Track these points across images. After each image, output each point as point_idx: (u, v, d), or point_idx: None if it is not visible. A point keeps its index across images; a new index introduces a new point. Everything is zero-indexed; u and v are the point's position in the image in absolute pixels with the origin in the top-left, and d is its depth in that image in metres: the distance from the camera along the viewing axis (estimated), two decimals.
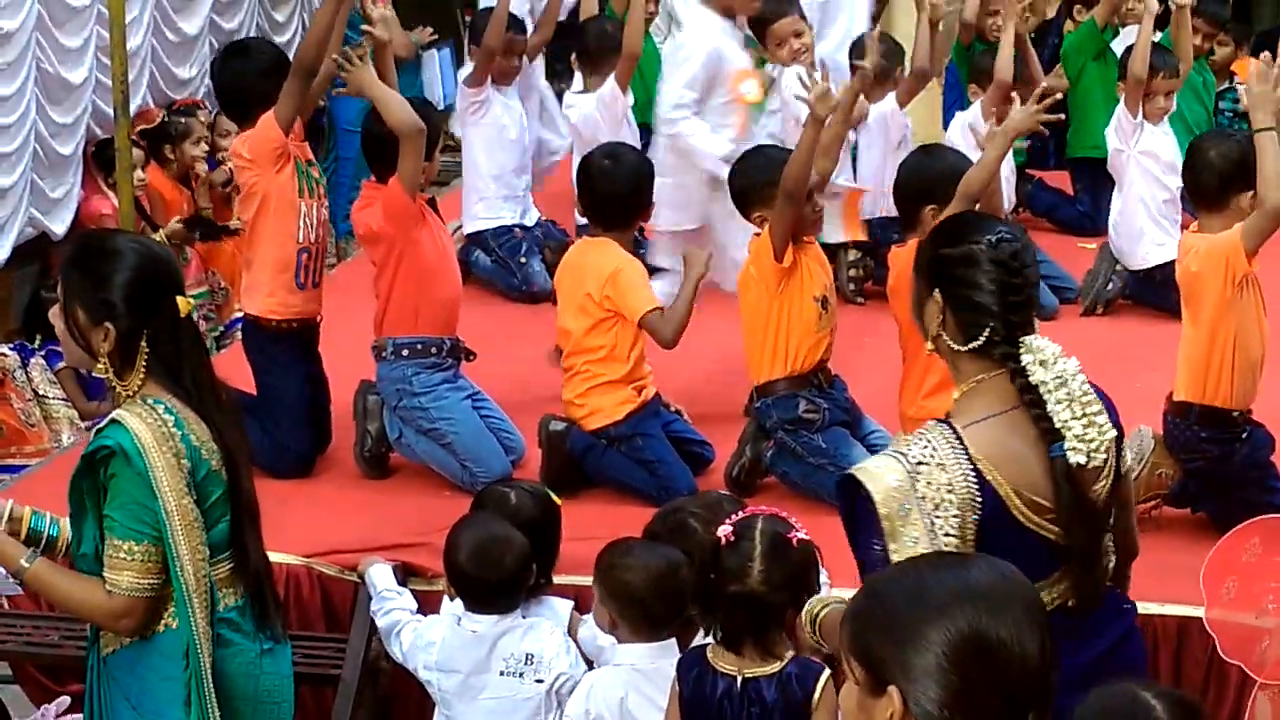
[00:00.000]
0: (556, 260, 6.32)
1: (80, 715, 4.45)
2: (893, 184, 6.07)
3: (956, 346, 3.54)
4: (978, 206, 5.61)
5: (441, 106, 10.50)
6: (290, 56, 6.05)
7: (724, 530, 4.04)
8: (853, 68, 6.00)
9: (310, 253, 5.94)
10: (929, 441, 3.45)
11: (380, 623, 4.90)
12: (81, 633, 4.07)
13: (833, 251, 7.13)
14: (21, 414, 8.05)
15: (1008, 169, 7.88)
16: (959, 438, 3.45)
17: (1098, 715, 2.48)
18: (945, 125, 8.57)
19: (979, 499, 3.41)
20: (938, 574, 2.37)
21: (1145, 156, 7.66)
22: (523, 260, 7.94)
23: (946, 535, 3.37)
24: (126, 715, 3.81)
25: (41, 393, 8.22)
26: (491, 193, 8.06)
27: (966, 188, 5.46)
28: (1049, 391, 3.47)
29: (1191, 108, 8.97)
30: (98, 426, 3.79)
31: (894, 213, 7.85)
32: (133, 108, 8.98)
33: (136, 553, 3.69)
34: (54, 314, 3.86)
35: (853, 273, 7.89)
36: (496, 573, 4.61)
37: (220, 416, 3.83)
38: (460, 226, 8.13)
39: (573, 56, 8.57)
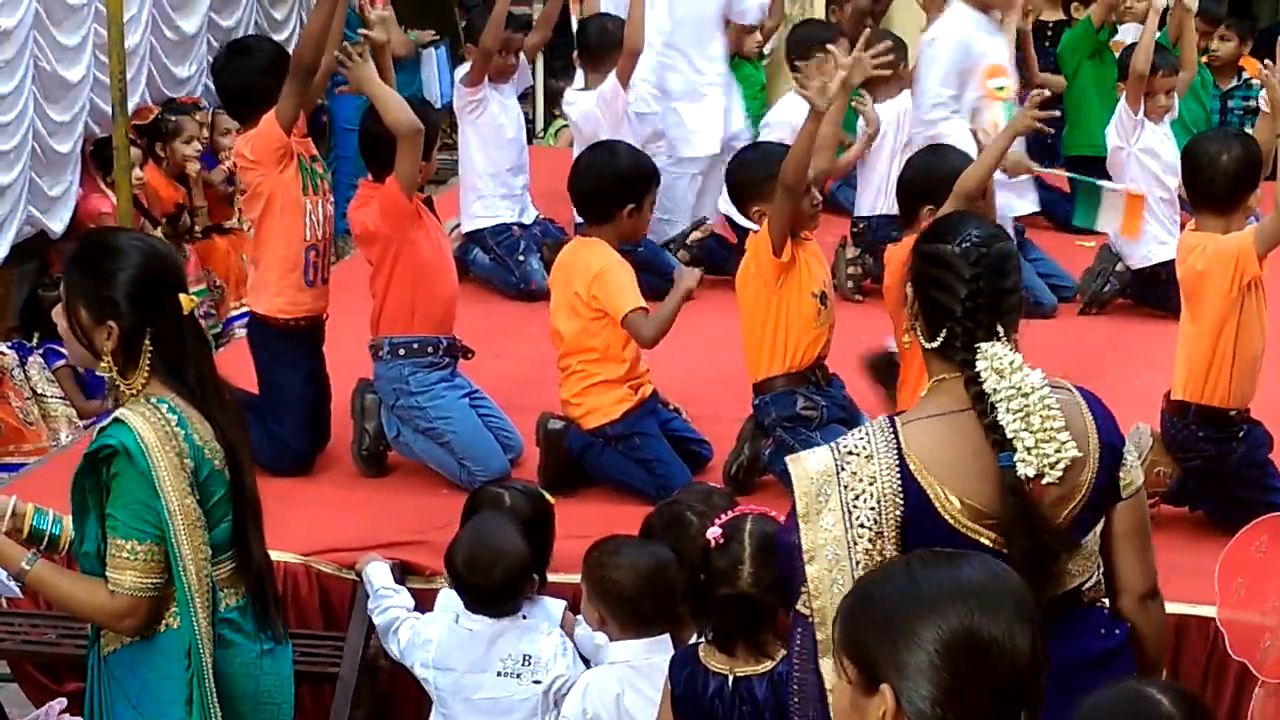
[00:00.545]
0: (554, 258, 6.31)
1: (80, 716, 4.44)
2: (898, 181, 6.07)
3: (924, 343, 3.55)
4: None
5: (439, 105, 10.51)
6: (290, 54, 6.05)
7: (713, 532, 4.05)
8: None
9: (318, 249, 5.94)
10: (867, 434, 3.47)
11: (377, 620, 4.90)
12: (79, 631, 4.07)
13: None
14: (20, 412, 8.05)
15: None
16: (895, 432, 3.45)
17: (1105, 713, 2.48)
18: None
19: (901, 494, 3.40)
20: (929, 572, 2.37)
21: (1145, 155, 7.66)
22: (521, 258, 7.94)
23: (861, 525, 3.39)
24: (127, 715, 3.82)
25: (40, 391, 8.21)
26: (489, 191, 8.06)
27: (962, 186, 5.47)
28: (1002, 400, 3.41)
29: (1189, 107, 8.97)
30: (100, 425, 3.79)
31: (893, 211, 7.89)
32: (131, 106, 8.98)
33: (139, 552, 3.69)
34: (57, 313, 3.86)
35: (851, 270, 7.89)
36: (489, 580, 4.61)
37: (223, 415, 3.83)
38: (458, 225, 8.13)
39: (574, 54, 8.59)
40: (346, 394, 6.09)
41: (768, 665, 4.06)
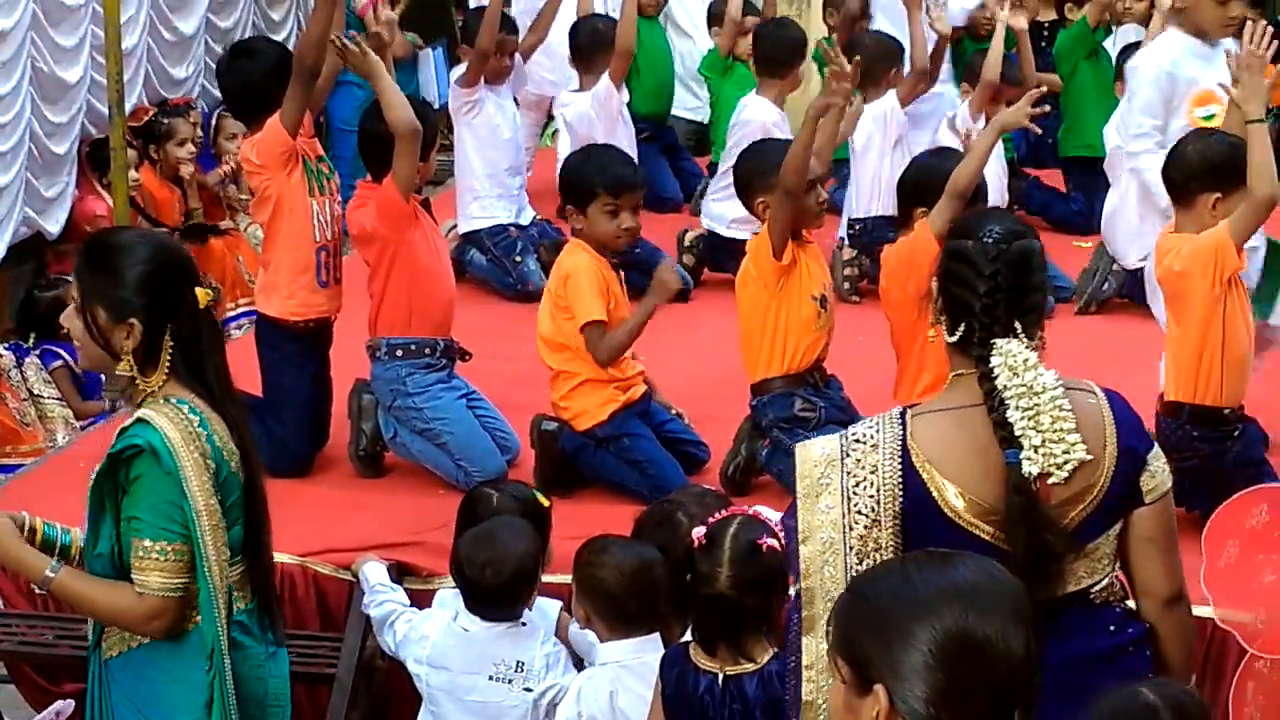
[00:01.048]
0: (551, 259, 6.32)
1: None
2: (898, 181, 6.08)
3: (946, 337, 3.58)
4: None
5: (436, 106, 10.52)
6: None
7: (697, 533, 4.07)
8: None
9: (329, 250, 5.95)
10: (876, 423, 3.50)
11: (373, 613, 4.90)
12: (77, 632, 4.07)
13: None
14: (16, 413, 8.04)
15: (999, 167, 7.89)
16: (903, 424, 3.48)
17: (1103, 714, 2.49)
18: None
19: (902, 485, 3.43)
20: (923, 572, 2.37)
21: None
22: (518, 259, 7.94)
23: (858, 512, 3.43)
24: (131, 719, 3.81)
25: (36, 392, 8.21)
26: (486, 192, 8.06)
27: (954, 184, 5.47)
28: (1012, 397, 3.43)
29: None
30: (122, 426, 3.75)
31: (888, 212, 7.90)
32: (128, 107, 8.98)
33: (168, 552, 3.69)
34: (68, 316, 3.81)
35: (848, 271, 7.90)
36: (499, 580, 4.60)
37: (238, 415, 3.83)
38: (455, 226, 8.13)
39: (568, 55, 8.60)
40: (344, 394, 6.09)
41: (759, 663, 4.08)
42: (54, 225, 9.23)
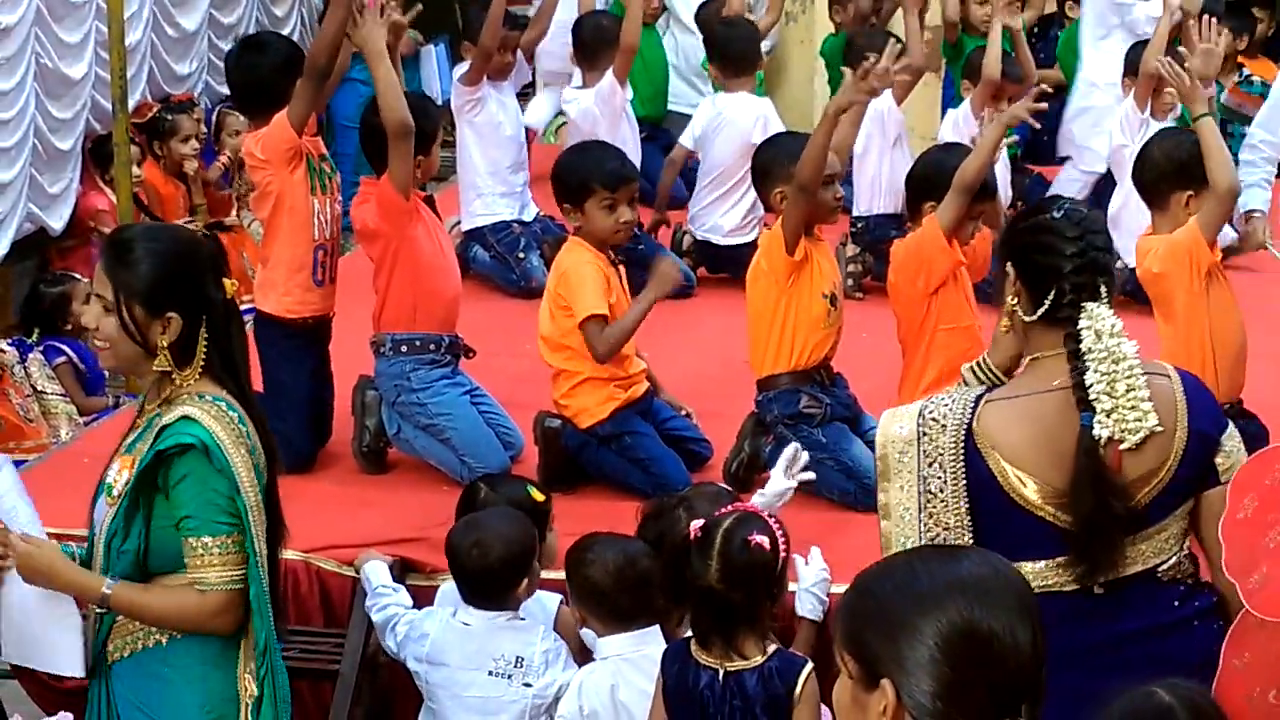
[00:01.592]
0: (555, 256, 6.32)
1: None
2: (906, 176, 6.10)
3: (1027, 318, 3.69)
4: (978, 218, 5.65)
5: (439, 103, 10.51)
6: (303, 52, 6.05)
7: (695, 525, 4.12)
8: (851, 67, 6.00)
9: (326, 249, 5.94)
10: (950, 403, 3.66)
11: (375, 617, 4.91)
12: None
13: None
14: (20, 409, 8.05)
15: (1002, 163, 7.88)
16: (974, 407, 3.62)
17: (1116, 714, 2.49)
18: None
19: (964, 467, 3.59)
20: (929, 567, 2.38)
21: None
22: (521, 256, 7.94)
23: (930, 491, 3.61)
24: None
25: (40, 388, 8.21)
26: (489, 189, 8.06)
27: (960, 178, 5.49)
28: (1094, 360, 3.57)
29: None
30: (162, 424, 3.73)
31: (890, 210, 7.91)
32: (131, 103, 9.00)
33: (225, 544, 3.71)
34: (95, 316, 3.78)
35: (852, 268, 7.90)
36: (484, 564, 4.62)
37: (261, 411, 3.85)
38: (458, 223, 8.13)
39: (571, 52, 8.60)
40: (348, 390, 6.09)
41: (758, 660, 4.11)
42: (58, 221, 9.24)
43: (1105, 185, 8.25)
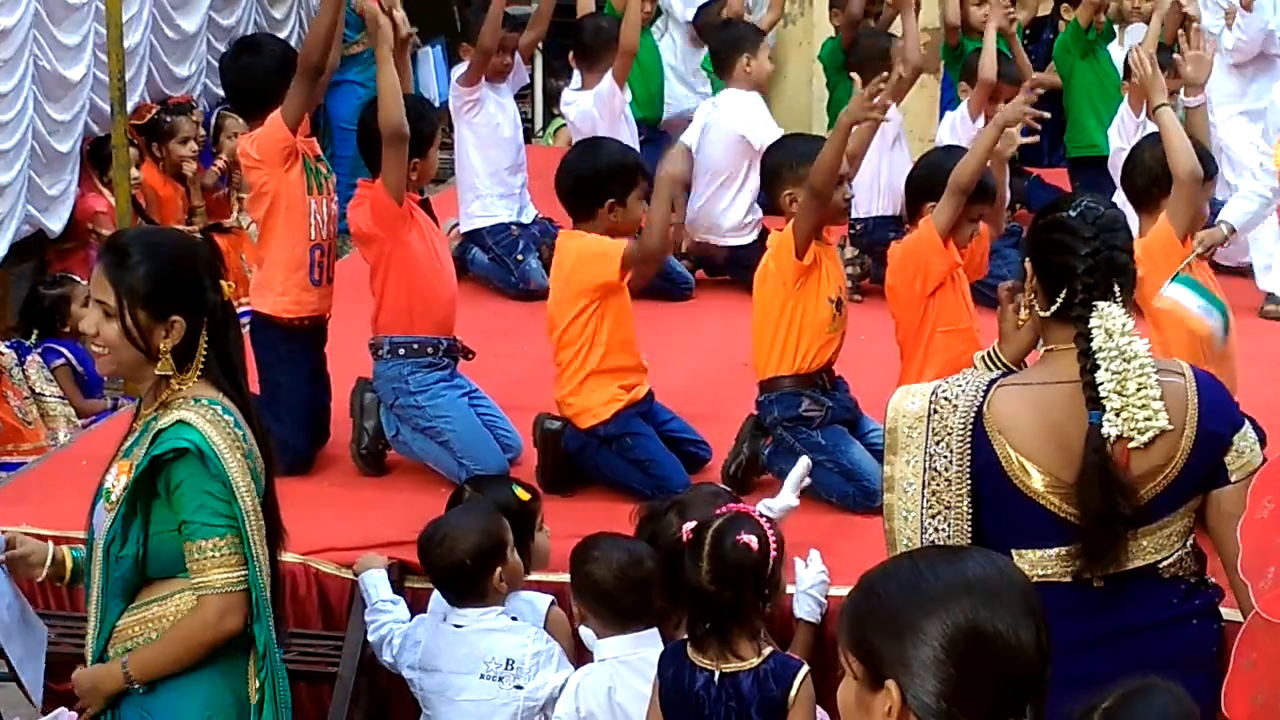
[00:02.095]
0: (553, 258, 6.31)
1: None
2: (905, 178, 6.10)
3: (1042, 312, 3.73)
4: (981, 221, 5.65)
5: (437, 104, 10.52)
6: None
7: (686, 528, 4.13)
8: (855, 70, 6.02)
9: (323, 249, 5.95)
10: (964, 384, 3.69)
11: (372, 637, 4.90)
12: (79, 630, 4.06)
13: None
14: (18, 411, 8.05)
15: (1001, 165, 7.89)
16: (986, 391, 3.65)
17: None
18: None
19: (971, 449, 3.63)
20: (933, 567, 2.38)
21: None
22: (519, 258, 7.94)
23: (933, 469, 3.65)
24: None
25: (38, 390, 8.21)
26: (487, 191, 8.06)
27: (956, 180, 5.50)
28: (1104, 359, 3.59)
29: None
30: (157, 428, 3.73)
31: (888, 212, 7.92)
32: (131, 105, 8.99)
33: (221, 547, 3.70)
34: (95, 322, 3.76)
35: (850, 270, 7.89)
36: (446, 560, 4.64)
37: (259, 415, 3.84)
38: (456, 224, 8.13)
39: (570, 54, 8.60)
40: (346, 393, 6.09)
41: (755, 662, 4.12)
42: (56, 223, 9.24)
43: (1103, 186, 8.24)
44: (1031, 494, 3.64)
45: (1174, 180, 5.19)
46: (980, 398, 3.65)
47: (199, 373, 3.75)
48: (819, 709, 4.24)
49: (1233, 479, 3.70)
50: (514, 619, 4.68)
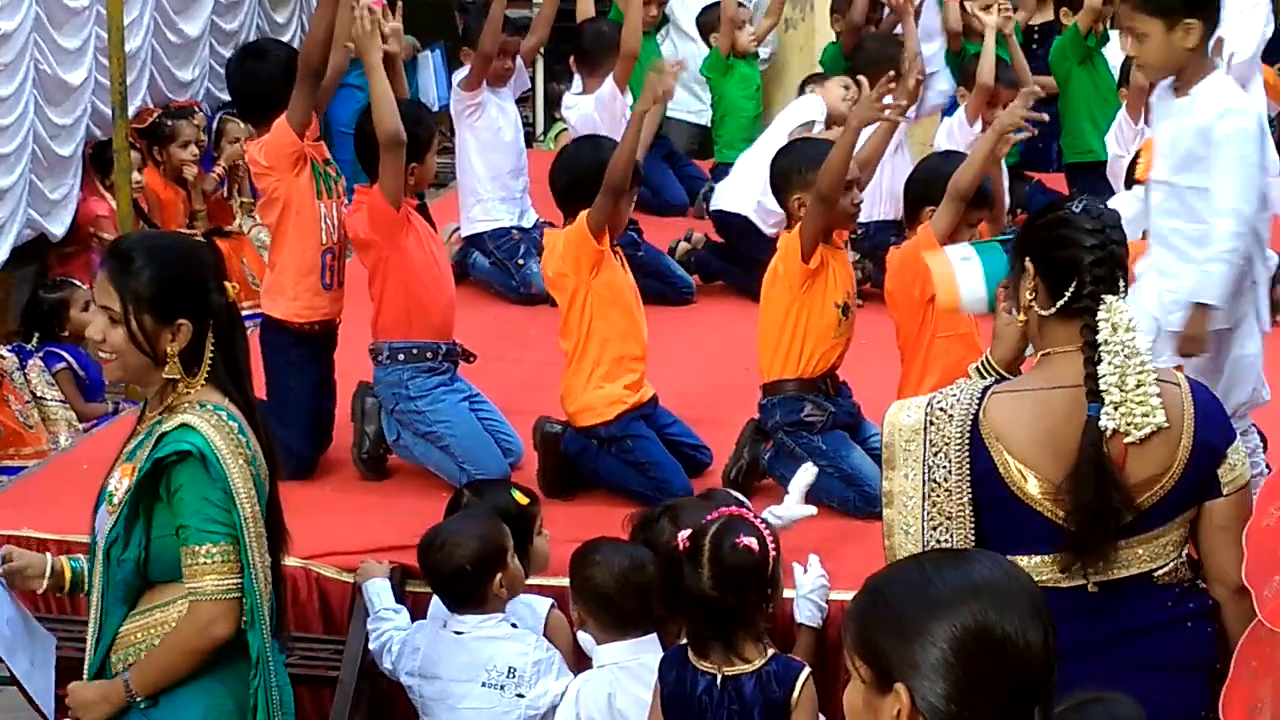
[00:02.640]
0: None
1: None
2: (905, 183, 6.10)
3: (1044, 312, 3.71)
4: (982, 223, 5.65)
5: (436, 109, 10.52)
6: None
7: (682, 536, 4.13)
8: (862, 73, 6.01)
9: (334, 253, 5.95)
10: (958, 394, 3.68)
11: (373, 645, 4.90)
12: (79, 634, 4.06)
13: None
14: (19, 415, 8.05)
15: (999, 171, 7.88)
16: (981, 398, 3.65)
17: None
18: None
19: (969, 458, 3.62)
20: (940, 570, 2.39)
21: None
22: (521, 262, 7.94)
23: (934, 481, 3.63)
24: None
25: (40, 394, 8.22)
26: (488, 195, 8.06)
27: (955, 186, 5.49)
28: (1108, 352, 3.60)
29: None
30: (160, 431, 3.73)
31: (889, 217, 7.91)
32: (132, 109, 9.00)
33: (215, 554, 3.69)
34: (101, 329, 3.75)
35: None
36: (445, 566, 4.64)
37: (263, 420, 3.84)
38: (457, 229, 8.14)
39: (571, 58, 8.60)
40: (347, 397, 6.09)
41: (756, 664, 4.11)
42: (58, 227, 9.25)
43: (1102, 190, 8.24)
44: (1028, 500, 3.64)
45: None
46: (975, 406, 3.65)
47: (206, 376, 3.75)
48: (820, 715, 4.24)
49: (1224, 491, 3.70)
50: (514, 625, 4.68)
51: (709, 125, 10.32)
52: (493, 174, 8.06)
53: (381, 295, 5.86)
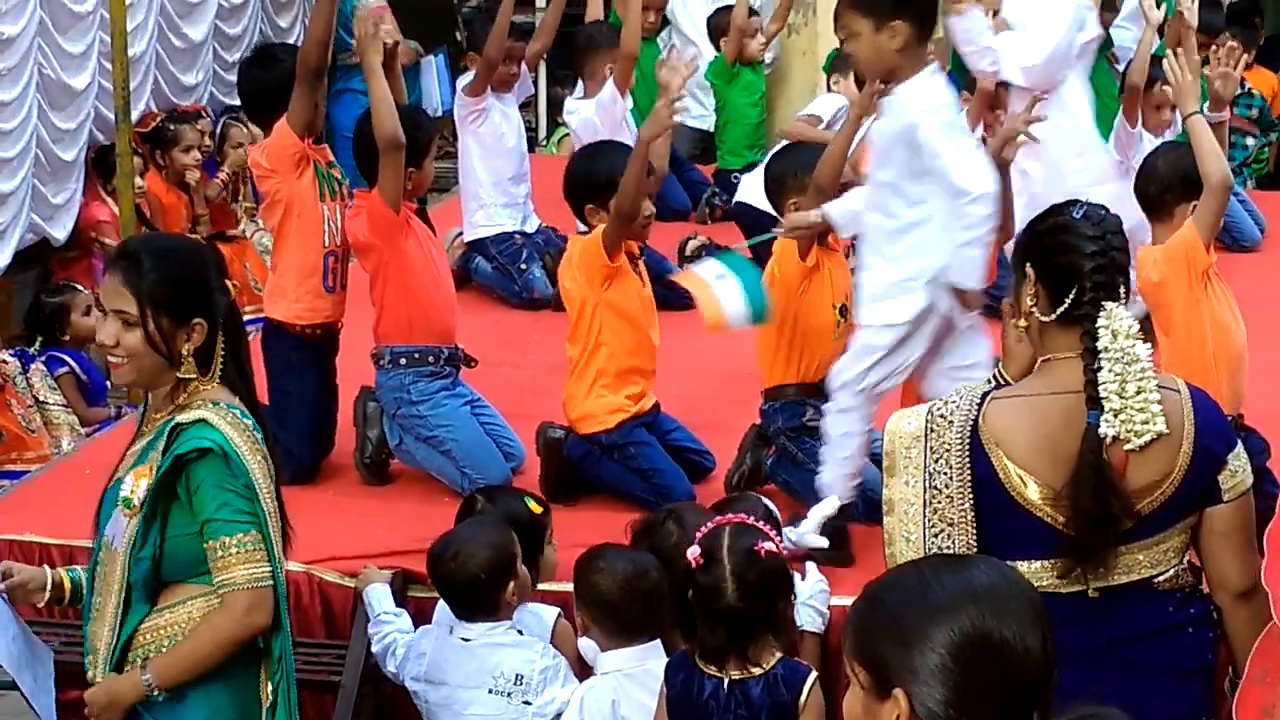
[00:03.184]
0: (557, 266, 6.32)
1: None
2: None
3: (1045, 318, 3.70)
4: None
5: (439, 114, 10.53)
6: None
7: (693, 553, 4.09)
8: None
9: (336, 255, 5.95)
10: (958, 400, 3.68)
11: (375, 648, 4.90)
12: (79, 639, 4.07)
13: None
14: (22, 420, 8.05)
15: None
16: (980, 404, 3.64)
17: None
18: None
19: (969, 464, 3.62)
20: (939, 575, 2.39)
21: None
22: (523, 267, 7.94)
23: (935, 487, 3.63)
24: None
25: (42, 398, 8.21)
26: (491, 200, 8.06)
27: None
28: (1108, 359, 3.60)
29: None
30: (175, 424, 3.73)
31: None
32: (135, 114, 9.00)
33: (246, 543, 3.70)
34: (114, 332, 3.76)
35: (854, 281, 7.89)
36: (459, 575, 4.63)
37: (268, 419, 3.86)
38: (460, 234, 8.14)
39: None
40: (349, 402, 6.09)
41: (764, 668, 4.10)
42: (60, 232, 9.25)
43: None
44: (1028, 505, 3.63)
45: (1205, 188, 5.16)
46: (975, 412, 3.65)
47: (216, 378, 3.77)
48: None
49: (1225, 498, 3.70)
50: (520, 633, 4.68)
51: (712, 131, 10.33)
52: (495, 179, 8.06)
53: (382, 300, 5.86)
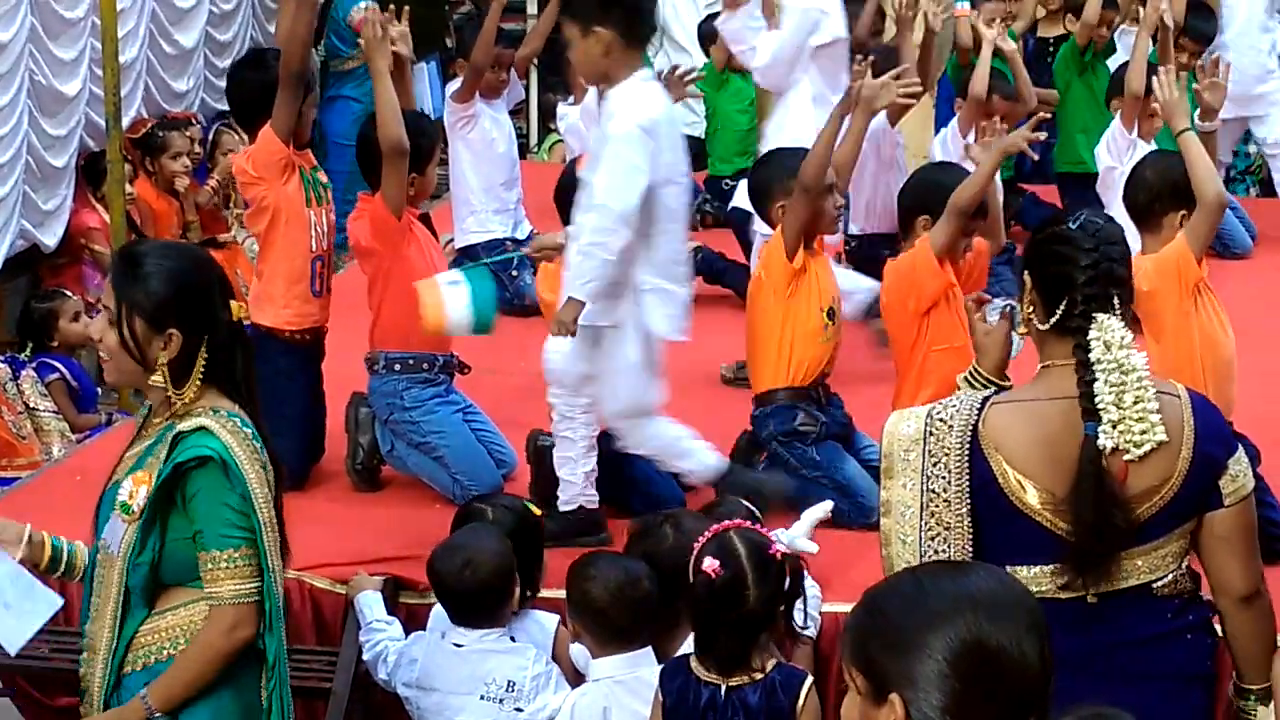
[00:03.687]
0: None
1: None
2: (899, 193, 6.11)
3: (1041, 326, 3.72)
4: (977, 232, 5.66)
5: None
6: None
7: (710, 565, 4.05)
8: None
9: (323, 260, 5.96)
10: (957, 404, 3.69)
11: (367, 655, 4.89)
12: (72, 645, 4.06)
13: None
14: (12, 426, 8.04)
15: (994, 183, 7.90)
16: (980, 409, 3.65)
17: None
18: None
19: (968, 468, 3.61)
20: (937, 582, 2.39)
21: None
22: (514, 274, 7.94)
23: (932, 491, 3.63)
24: None
25: (33, 405, 8.20)
26: (482, 206, 8.07)
27: (956, 202, 5.50)
28: (1102, 371, 3.59)
29: None
30: (175, 432, 3.74)
31: (883, 229, 7.91)
32: (127, 120, 8.99)
33: (236, 559, 3.70)
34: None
35: None
36: (462, 584, 4.63)
37: (267, 429, 3.85)
38: (451, 240, 8.14)
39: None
40: (341, 407, 6.09)
41: (761, 674, 4.09)
42: (51, 238, 9.24)
43: (1093, 204, 8.25)
44: (1027, 511, 3.63)
45: (1199, 204, 5.19)
46: (975, 416, 3.65)
47: (196, 388, 3.75)
48: None
49: (1226, 503, 3.68)
50: (513, 639, 4.67)
51: (702, 138, 10.33)
52: (486, 185, 8.07)
53: (381, 304, 5.87)
